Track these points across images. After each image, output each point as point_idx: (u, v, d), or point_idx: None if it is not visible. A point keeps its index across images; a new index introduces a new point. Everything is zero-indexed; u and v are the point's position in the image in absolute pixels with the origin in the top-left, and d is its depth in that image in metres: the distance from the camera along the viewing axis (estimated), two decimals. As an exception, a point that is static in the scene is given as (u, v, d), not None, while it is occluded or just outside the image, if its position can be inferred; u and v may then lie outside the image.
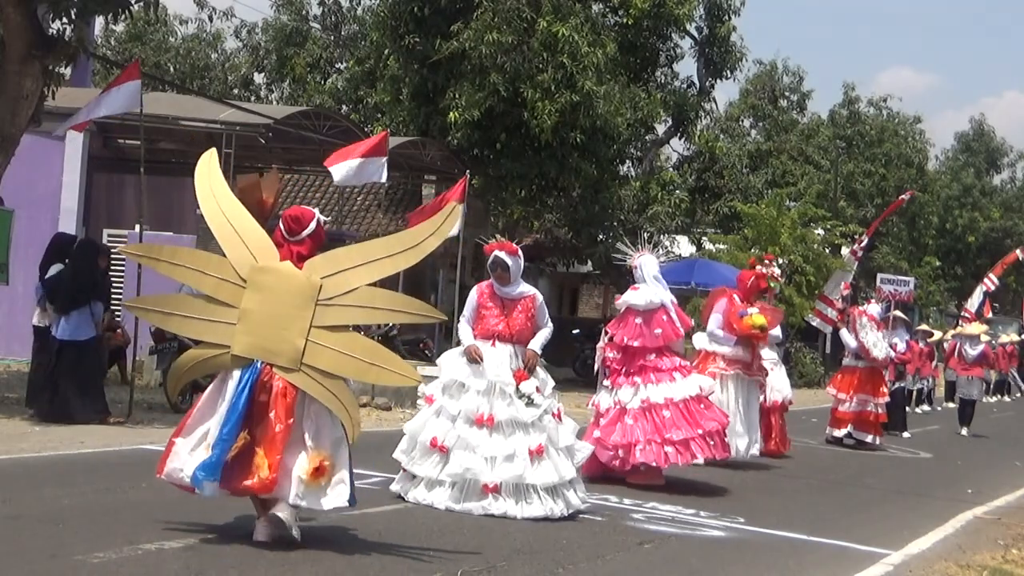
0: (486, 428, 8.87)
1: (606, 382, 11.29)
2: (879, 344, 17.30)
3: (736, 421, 12.67)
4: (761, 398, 13.90)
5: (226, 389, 7.03)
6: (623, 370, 11.16)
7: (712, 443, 11.12)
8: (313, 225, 7.28)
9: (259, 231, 7.30)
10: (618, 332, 11.21)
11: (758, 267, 14.44)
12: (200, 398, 7.28)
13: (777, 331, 15.29)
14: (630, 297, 11.29)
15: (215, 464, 6.83)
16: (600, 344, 11.50)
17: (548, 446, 8.95)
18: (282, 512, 6.97)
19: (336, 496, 7.01)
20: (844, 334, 17.95)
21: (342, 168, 15.97)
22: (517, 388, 8.99)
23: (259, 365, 7.00)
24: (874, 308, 18.24)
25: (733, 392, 12.99)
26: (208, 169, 7.47)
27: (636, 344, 11.08)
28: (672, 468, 11.90)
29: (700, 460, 11.12)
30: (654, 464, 10.94)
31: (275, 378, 7.00)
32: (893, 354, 19.11)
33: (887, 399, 17.67)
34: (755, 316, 12.98)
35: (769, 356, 14.56)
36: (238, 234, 7.25)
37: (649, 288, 11.30)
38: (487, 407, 8.92)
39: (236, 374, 7.01)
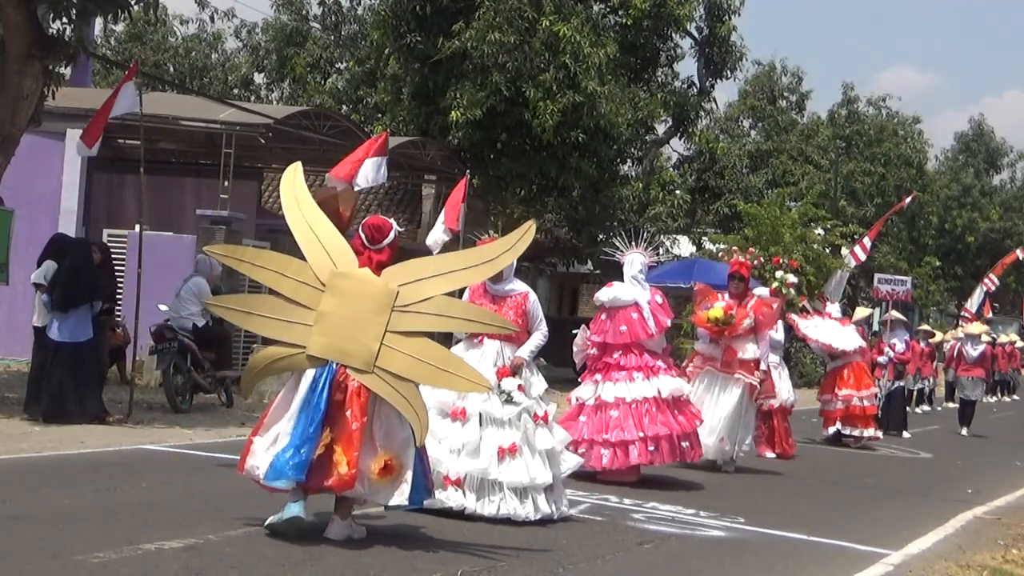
0: (458, 421, 8.68)
1: (579, 379, 11.53)
2: (840, 336, 17.23)
3: (708, 420, 12.27)
4: (760, 401, 13.84)
5: (300, 388, 7.29)
6: (592, 367, 11.30)
7: (652, 448, 10.96)
8: (392, 235, 7.63)
9: (339, 238, 7.61)
10: (591, 328, 11.41)
11: (738, 256, 14.44)
12: (275, 398, 7.52)
13: (780, 334, 15.26)
14: (599, 293, 11.45)
15: (303, 463, 7.07)
16: (576, 340, 11.54)
17: (522, 446, 8.66)
18: (333, 534, 7.25)
19: (399, 494, 7.28)
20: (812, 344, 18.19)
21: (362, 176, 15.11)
22: (498, 385, 8.75)
23: (334, 365, 7.26)
24: (832, 308, 18.30)
25: (701, 390, 12.64)
26: (293, 179, 7.80)
27: (598, 339, 11.23)
28: (673, 469, 11.92)
29: (637, 462, 11.00)
30: (591, 468, 10.84)
31: (349, 378, 7.25)
32: (863, 344, 18.93)
33: (873, 390, 17.65)
34: (712, 310, 12.74)
35: (771, 358, 14.51)
36: (319, 240, 7.55)
37: (622, 286, 11.33)
38: (460, 400, 8.71)
39: (310, 373, 7.27)
